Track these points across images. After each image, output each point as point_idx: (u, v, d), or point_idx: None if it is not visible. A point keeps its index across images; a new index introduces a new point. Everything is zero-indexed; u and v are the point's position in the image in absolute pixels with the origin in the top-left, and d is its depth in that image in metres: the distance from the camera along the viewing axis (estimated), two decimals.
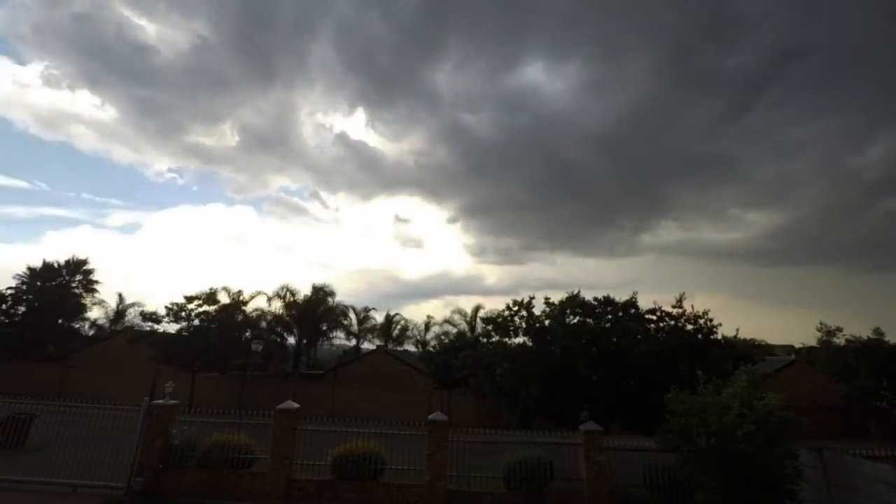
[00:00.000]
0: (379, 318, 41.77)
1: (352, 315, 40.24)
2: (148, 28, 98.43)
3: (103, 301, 38.04)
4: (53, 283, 34.44)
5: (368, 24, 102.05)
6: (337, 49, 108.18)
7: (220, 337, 27.37)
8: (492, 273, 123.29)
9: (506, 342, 20.11)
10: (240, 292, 30.62)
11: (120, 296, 40.52)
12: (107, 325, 38.68)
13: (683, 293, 18.89)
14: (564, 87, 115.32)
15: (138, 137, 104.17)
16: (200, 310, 27.96)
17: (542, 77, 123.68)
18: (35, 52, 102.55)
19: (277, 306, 35.22)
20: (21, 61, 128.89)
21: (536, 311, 19.98)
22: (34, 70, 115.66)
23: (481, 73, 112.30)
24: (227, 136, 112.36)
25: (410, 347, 42.64)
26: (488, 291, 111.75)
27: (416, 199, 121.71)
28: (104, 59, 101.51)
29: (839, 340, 30.47)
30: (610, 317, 19.19)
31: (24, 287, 33.37)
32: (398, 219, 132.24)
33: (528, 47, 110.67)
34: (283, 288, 36.18)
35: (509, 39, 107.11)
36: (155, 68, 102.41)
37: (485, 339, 21.37)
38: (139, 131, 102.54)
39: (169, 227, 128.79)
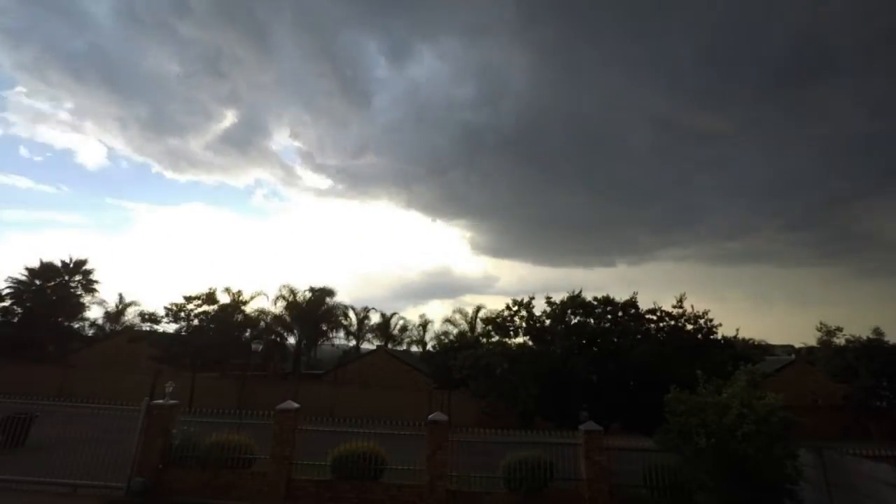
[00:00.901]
0: (379, 318, 41.77)
1: (352, 315, 40.23)
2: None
3: (104, 301, 38.08)
4: (53, 283, 34.44)
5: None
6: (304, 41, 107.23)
7: (219, 337, 27.37)
8: (504, 274, 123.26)
9: (506, 342, 20.14)
10: (239, 292, 30.61)
11: (120, 296, 40.60)
12: (105, 324, 38.68)
13: (684, 294, 18.98)
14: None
15: (129, 136, 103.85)
16: (200, 310, 27.97)
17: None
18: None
19: (277, 306, 35.20)
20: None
21: (537, 312, 20.03)
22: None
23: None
24: (210, 137, 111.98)
25: (411, 347, 42.63)
26: (501, 292, 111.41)
27: (421, 199, 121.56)
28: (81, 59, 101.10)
29: (839, 340, 30.52)
30: (610, 317, 19.23)
31: (24, 287, 33.37)
32: (402, 217, 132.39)
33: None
34: (282, 288, 36.17)
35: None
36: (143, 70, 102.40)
37: (485, 340, 21.38)
38: (123, 130, 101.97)
39: (164, 227, 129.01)
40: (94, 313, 37.73)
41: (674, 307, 19.03)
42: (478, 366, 19.36)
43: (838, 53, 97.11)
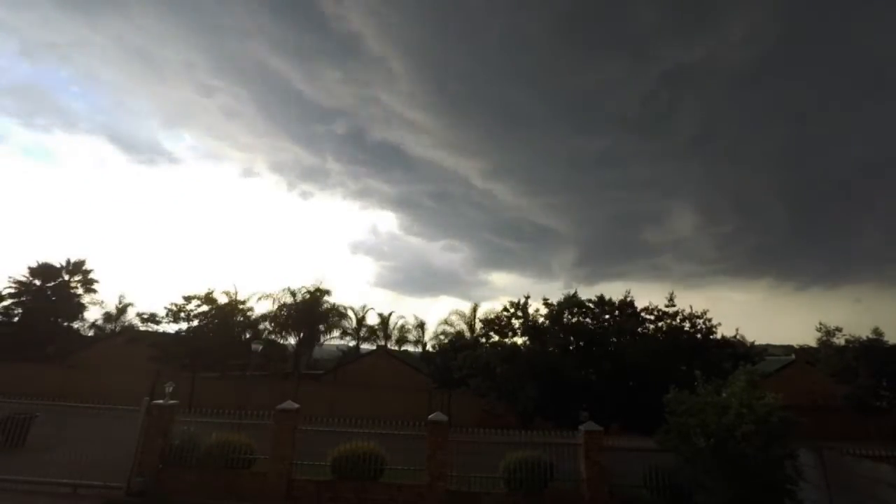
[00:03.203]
0: (379, 318, 41.70)
1: (351, 315, 40.16)
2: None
3: (102, 302, 38.07)
4: (53, 283, 34.44)
5: None
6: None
7: (218, 337, 27.38)
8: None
9: (505, 342, 20.17)
10: (236, 294, 30.60)
11: (120, 297, 40.65)
12: (105, 325, 38.67)
13: (673, 292, 19.00)
14: None
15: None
16: (199, 310, 27.97)
17: None
18: None
19: (276, 306, 35.11)
20: None
21: (533, 312, 20.09)
22: None
23: None
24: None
25: (407, 347, 42.58)
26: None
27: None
28: None
29: (839, 340, 30.46)
30: (607, 317, 19.29)
31: (24, 287, 33.38)
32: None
33: None
34: (283, 293, 36.07)
35: None
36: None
37: (484, 340, 21.41)
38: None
39: (162, 226, 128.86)
40: (93, 314, 37.78)
41: (667, 306, 19.08)
42: (477, 366, 19.38)
43: None
